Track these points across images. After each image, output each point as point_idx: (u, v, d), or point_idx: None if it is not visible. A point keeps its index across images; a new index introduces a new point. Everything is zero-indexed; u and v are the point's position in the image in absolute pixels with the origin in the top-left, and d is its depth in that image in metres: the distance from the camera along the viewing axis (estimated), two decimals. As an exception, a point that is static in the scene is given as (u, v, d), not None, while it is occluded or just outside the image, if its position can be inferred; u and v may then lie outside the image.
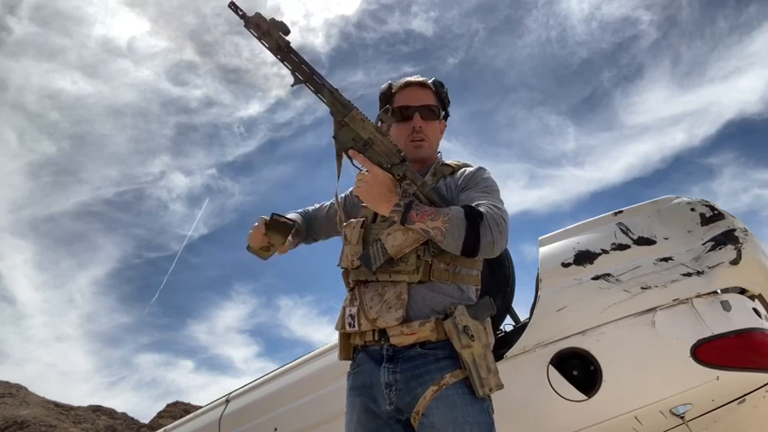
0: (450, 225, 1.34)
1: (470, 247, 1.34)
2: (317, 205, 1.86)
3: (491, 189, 1.50)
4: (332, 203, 1.82)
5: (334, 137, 1.44)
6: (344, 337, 1.54)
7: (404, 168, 1.45)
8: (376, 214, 1.54)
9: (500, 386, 1.35)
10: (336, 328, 1.53)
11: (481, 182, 1.53)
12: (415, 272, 1.41)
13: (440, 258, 1.43)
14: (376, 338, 1.44)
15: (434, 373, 1.36)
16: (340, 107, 1.42)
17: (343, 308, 1.51)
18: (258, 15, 1.37)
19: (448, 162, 1.66)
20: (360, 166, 1.47)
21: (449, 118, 1.72)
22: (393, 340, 1.40)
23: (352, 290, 1.51)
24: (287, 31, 1.39)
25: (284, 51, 1.40)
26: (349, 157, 1.45)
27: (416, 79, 1.63)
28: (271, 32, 1.37)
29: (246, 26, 1.39)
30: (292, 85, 1.41)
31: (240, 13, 1.39)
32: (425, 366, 1.37)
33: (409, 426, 1.40)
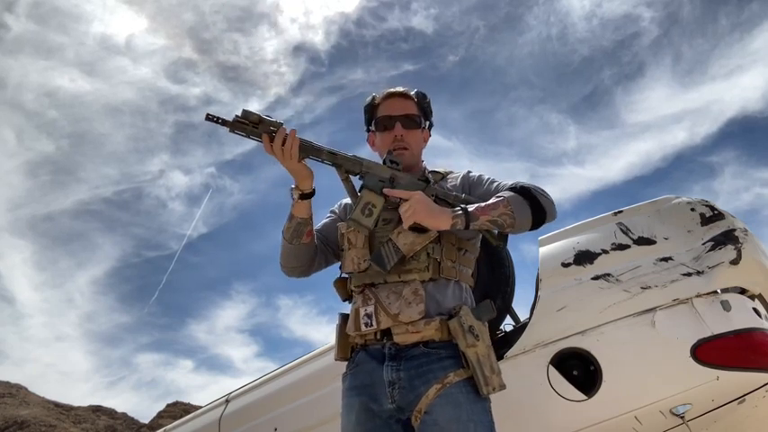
0: (513, 206, 1.41)
1: (539, 216, 1.44)
2: (319, 226, 1.77)
3: (495, 178, 1.58)
4: (330, 218, 1.77)
5: (363, 186, 1.50)
6: (344, 338, 1.55)
7: (432, 189, 1.52)
8: (378, 217, 1.55)
9: (503, 386, 1.38)
10: (349, 331, 1.51)
11: (482, 176, 1.61)
12: (426, 269, 1.44)
13: (447, 256, 1.47)
14: (378, 337, 1.45)
15: (438, 371, 1.37)
16: (355, 164, 1.51)
17: (356, 309, 1.50)
18: (246, 111, 1.41)
19: (435, 169, 1.70)
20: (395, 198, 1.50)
21: (432, 127, 1.74)
22: (397, 339, 1.41)
23: (362, 292, 1.50)
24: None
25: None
26: (385, 197, 1.49)
27: (398, 90, 1.65)
28: (263, 120, 1.43)
29: (232, 130, 1.41)
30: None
31: (220, 121, 1.40)
32: (429, 365, 1.38)
33: (409, 426, 1.40)
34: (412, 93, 1.66)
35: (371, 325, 1.44)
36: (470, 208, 1.41)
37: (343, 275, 1.61)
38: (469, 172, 1.64)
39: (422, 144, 1.69)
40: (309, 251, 1.65)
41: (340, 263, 1.64)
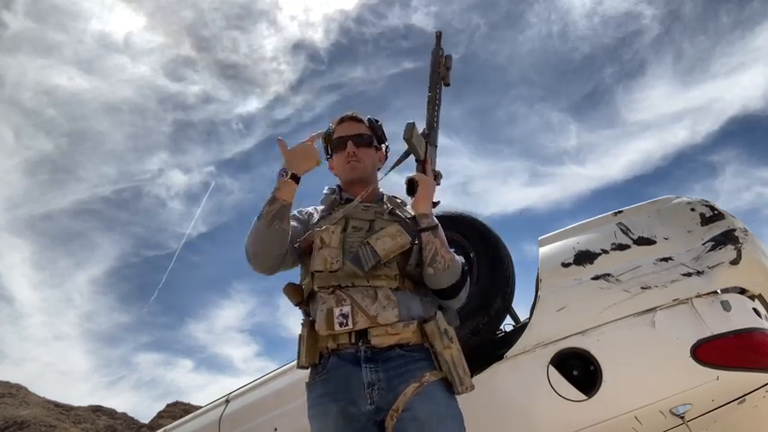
0: (453, 265, 1.50)
1: (450, 293, 1.53)
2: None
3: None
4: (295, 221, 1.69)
5: (428, 143, 1.64)
6: (312, 341, 1.51)
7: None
8: (347, 224, 1.55)
9: (473, 387, 1.46)
10: (320, 330, 1.47)
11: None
12: (394, 278, 1.49)
13: (411, 270, 1.51)
14: (352, 341, 1.44)
15: (415, 371, 1.42)
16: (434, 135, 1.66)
17: (329, 309, 1.46)
18: (449, 57, 1.68)
19: (395, 195, 1.73)
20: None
21: (388, 150, 1.81)
22: (375, 341, 1.42)
23: (333, 293, 1.47)
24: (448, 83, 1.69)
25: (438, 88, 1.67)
26: (423, 161, 1.61)
27: (349, 114, 1.76)
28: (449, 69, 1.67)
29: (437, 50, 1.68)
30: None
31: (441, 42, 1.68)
32: (406, 366, 1.43)
33: (382, 427, 1.41)
34: (364, 118, 1.75)
35: (347, 325, 1.43)
36: (440, 228, 1.54)
37: (296, 281, 1.62)
38: None
39: (376, 162, 1.76)
40: (285, 238, 1.55)
41: (303, 265, 1.62)
